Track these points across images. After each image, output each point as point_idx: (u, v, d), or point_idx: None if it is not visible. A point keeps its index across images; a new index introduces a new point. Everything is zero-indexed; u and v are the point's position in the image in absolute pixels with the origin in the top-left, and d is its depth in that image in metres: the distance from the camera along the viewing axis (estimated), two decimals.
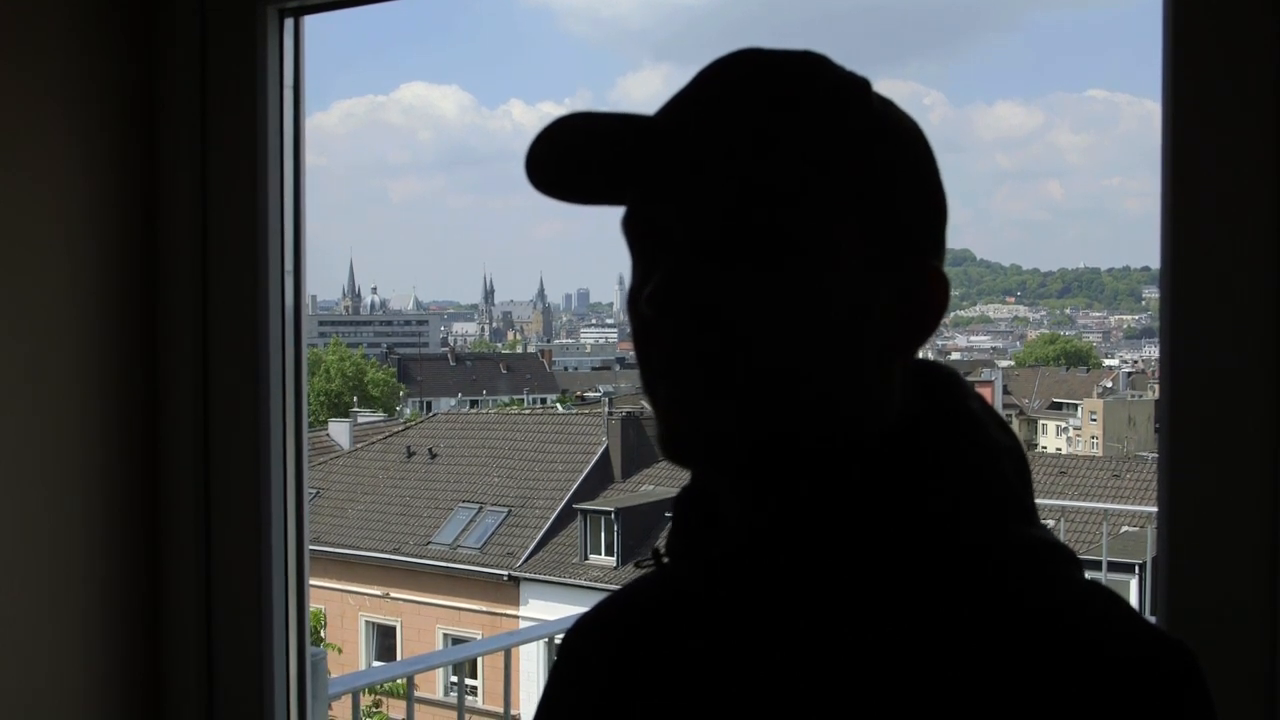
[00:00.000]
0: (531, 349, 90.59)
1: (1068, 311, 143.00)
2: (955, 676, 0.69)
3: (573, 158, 0.77)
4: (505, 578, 19.93)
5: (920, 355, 0.83)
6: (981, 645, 0.69)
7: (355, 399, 47.93)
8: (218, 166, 1.86)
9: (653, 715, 0.81)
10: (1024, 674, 0.68)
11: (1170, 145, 1.22)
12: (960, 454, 0.77)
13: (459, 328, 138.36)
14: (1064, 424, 46.16)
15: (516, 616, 19.18)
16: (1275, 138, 1.17)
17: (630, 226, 0.79)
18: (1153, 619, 0.91)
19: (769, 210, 0.73)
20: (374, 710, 13.47)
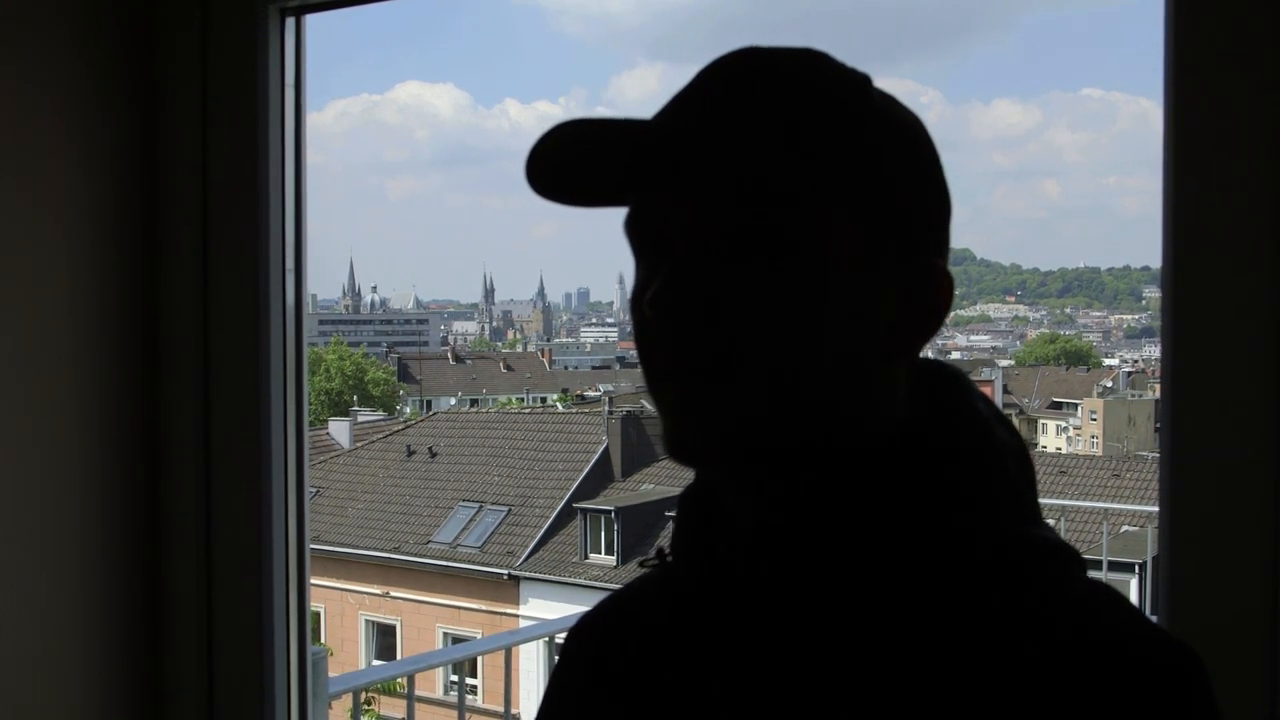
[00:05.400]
0: (531, 348, 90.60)
1: (1068, 311, 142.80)
2: (960, 676, 0.69)
3: (574, 163, 0.76)
4: (505, 576, 19.94)
5: (922, 354, 0.83)
6: (986, 645, 0.69)
7: (355, 398, 47.95)
8: (218, 166, 1.86)
9: (657, 716, 0.81)
10: (1028, 674, 0.68)
11: (1171, 144, 1.22)
12: (965, 453, 0.77)
13: (459, 326, 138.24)
14: (1064, 423, 46.13)
15: (516, 615, 19.18)
16: (1276, 137, 1.17)
17: (632, 228, 0.78)
18: (1153, 618, 0.91)
19: (771, 210, 0.73)
20: (366, 708, 13.47)
